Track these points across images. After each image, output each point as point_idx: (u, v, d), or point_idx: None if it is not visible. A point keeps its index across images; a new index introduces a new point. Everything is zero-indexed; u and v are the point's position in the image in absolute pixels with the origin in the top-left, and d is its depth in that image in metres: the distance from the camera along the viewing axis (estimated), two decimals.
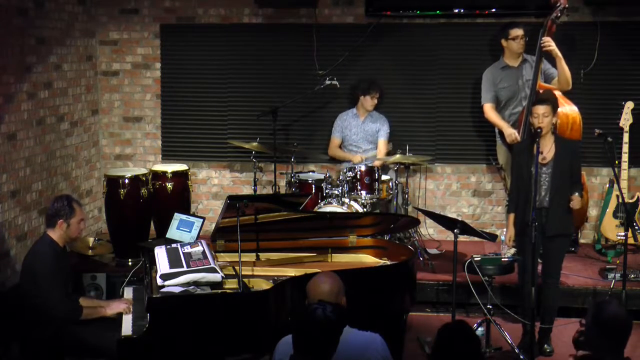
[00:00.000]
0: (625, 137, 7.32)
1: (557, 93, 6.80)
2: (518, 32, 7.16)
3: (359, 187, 7.12)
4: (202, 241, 5.41)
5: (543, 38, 6.85)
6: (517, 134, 6.88)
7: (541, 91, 6.77)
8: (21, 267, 5.40)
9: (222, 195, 8.46)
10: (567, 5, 6.90)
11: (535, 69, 6.92)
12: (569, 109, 6.84)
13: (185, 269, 4.88)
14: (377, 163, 7.38)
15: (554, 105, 5.86)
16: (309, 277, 4.28)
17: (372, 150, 7.82)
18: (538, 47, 6.91)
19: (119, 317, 5.16)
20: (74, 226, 5.27)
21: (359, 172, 7.13)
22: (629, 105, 7.35)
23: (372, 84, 7.76)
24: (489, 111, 7.32)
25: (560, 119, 6.42)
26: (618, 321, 3.68)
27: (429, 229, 8.10)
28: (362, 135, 7.82)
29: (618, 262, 6.93)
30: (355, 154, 7.78)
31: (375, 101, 7.78)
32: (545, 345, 6.05)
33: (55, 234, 5.24)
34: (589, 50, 7.76)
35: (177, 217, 6.15)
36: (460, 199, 8.33)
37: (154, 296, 4.73)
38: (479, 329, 5.94)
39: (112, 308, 5.23)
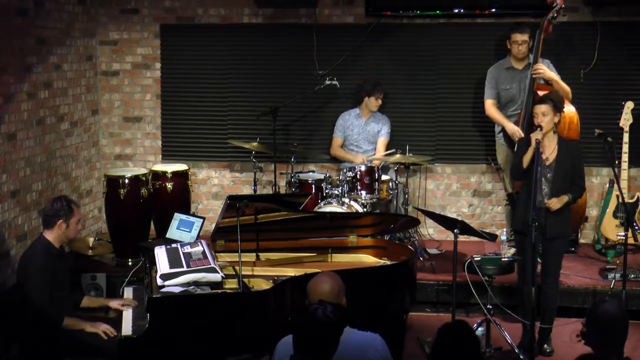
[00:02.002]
0: (625, 137, 7.30)
1: None
2: (518, 37, 7.08)
3: (359, 187, 7.10)
4: (202, 241, 5.41)
5: (534, 66, 6.84)
6: (520, 130, 6.86)
7: (540, 93, 6.75)
8: (17, 268, 5.42)
9: (222, 195, 8.44)
10: (563, 6, 6.89)
11: (531, 70, 6.90)
12: (566, 108, 6.80)
13: (185, 269, 4.88)
14: (376, 163, 7.37)
15: (556, 104, 5.84)
16: (309, 277, 4.27)
17: (373, 151, 7.82)
18: (535, 49, 6.90)
19: (118, 318, 5.17)
20: (72, 226, 5.30)
21: (359, 172, 7.11)
22: (629, 105, 7.33)
23: (376, 85, 7.74)
24: (490, 107, 7.31)
25: None
26: (611, 318, 3.71)
27: (429, 229, 8.09)
28: (364, 135, 7.82)
29: (618, 262, 6.90)
30: (356, 154, 7.77)
31: (380, 102, 7.77)
32: (545, 345, 6.04)
33: (52, 235, 5.26)
34: (589, 50, 7.75)
35: (177, 217, 6.15)
36: (460, 199, 8.32)
37: (154, 296, 4.73)
38: (479, 328, 5.93)
39: (95, 326, 5.14)
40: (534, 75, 6.85)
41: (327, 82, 7.73)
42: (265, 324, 4.77)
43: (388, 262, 5.68)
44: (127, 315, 5.10)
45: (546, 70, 6.87)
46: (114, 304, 5.35)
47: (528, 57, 7.17)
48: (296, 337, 3.53)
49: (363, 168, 7.15)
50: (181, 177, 7.62)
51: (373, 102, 7.75)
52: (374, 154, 7.75)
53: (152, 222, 7.62)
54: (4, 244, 6.59)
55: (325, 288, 3.97)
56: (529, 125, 6.35)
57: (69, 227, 5.27)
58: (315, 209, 6.90)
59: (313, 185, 7.31)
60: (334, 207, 6.83)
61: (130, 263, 7.26)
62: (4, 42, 6.61)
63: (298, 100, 8.03)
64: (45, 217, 5.31)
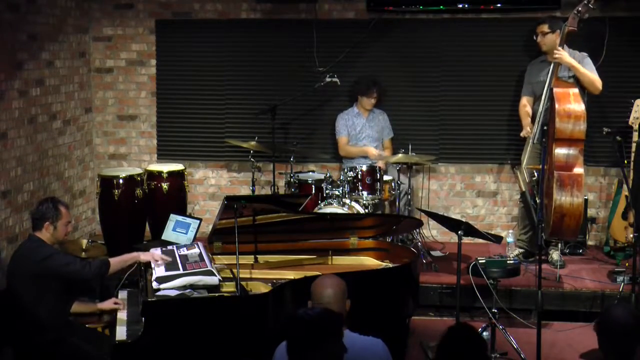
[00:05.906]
0: (635, 136, 7.14)
1: (573, 91, 6.51)
2: (538, 28, 7.00)
3: (360, 188, 7.02)
4: (199, 243, 5.35)
5: (555, 49, 6.68)
6: (530, 134, 6.80)
7: (557, 90, 6.50)
8: (8, 270, 5.30)
9: (219, 195, 8.34)
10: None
11: (552, 67, 6.70)
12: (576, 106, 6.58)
13: (181, 271, 4.79)
14: (380, 164, 7.29)
15: None
16: (309, 280, 4.17)
17: (377, 148, 7.71)
18: (560, 40, 6.73)
19: (112, 322, 5.11)
20: (61, 228, 5.23)
21: (360, 172, 7.03)
22: (639, 103, 7.17)
23: (370, 85, 7.62)
24: (520, 104, 7.25)
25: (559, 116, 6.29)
26: (624, 326, 3.62)
27: (432, 231, 7.95)
28: (368, 132, 7.74)
29: (627, 264, 6.79)
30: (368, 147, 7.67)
31: (374, 100, 7.69)
32: None
33: (42, 237, 5.18)
34: (597, 46, 7.58)
35: (173, 218, 6.15)
36: (464, 199, 8.20)
37: (149, 300, 4.63)
38: (484, 333, 5.80)
39: (105, 304, 5.24)
40: (554, 57, 6.64)
41: (328, 80, 7.64)
42: (264, 329, 4.66)
43: (390, 265, 5.60)
44: (122, 320, 4.98)
45: (565, 55, 6.67)
46: (105, 305, 5.27)
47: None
48: (287, 341, 3.44)
49: (364, 168, 7.06)
50: (177, 177, 7.56)
51: (367, 101, 7.68)
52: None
53: (147, 224, 7.57)
54: None
55: (329, 291, 3.88)
56: (544, 123, 6.26)
57: (57, 229, 5.19)
58: (315, 209, 6.80)
59: (313, 186, 7.23)
60: (334, 208, 6.73)
61: None
62: None
63: (297, 98, 7.94)
64: (33, 220, 5.26)
